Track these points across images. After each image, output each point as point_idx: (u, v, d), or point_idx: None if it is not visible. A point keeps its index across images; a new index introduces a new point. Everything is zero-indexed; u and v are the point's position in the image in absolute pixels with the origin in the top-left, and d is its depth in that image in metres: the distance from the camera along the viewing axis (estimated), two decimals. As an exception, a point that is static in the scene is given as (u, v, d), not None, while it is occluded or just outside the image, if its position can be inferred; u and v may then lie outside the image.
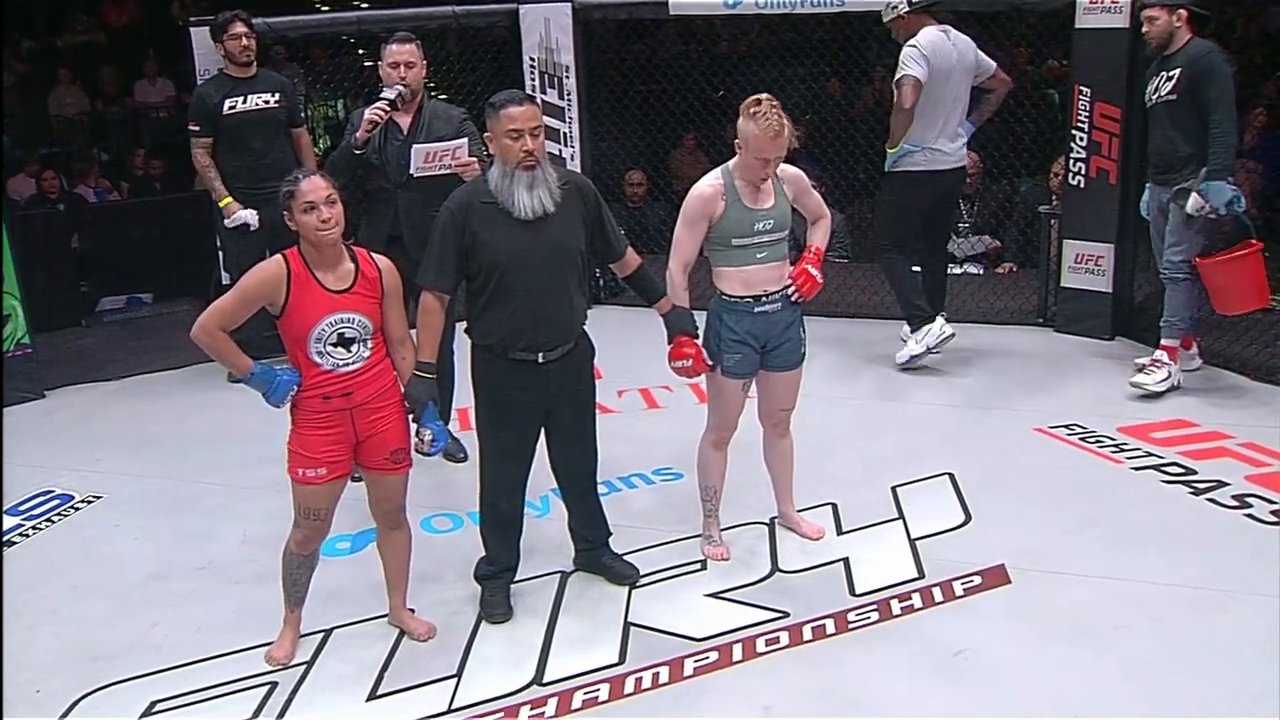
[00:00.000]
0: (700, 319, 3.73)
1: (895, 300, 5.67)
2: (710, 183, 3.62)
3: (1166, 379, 5.02)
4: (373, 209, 4.48)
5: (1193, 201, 4.81)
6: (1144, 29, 5.01)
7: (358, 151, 4.37)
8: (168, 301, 7.31)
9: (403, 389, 3.37)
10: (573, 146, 6.68)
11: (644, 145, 7.51)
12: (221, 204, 5.48)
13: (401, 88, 4.41)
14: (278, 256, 3.24)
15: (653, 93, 7.35)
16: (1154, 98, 5.01)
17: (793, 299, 3.71)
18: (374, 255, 3.33)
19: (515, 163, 3.33)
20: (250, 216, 5.42)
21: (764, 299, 3.66)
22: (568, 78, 6.59)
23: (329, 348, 3.20)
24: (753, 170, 3.56)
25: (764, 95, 3.55)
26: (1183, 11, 4.89)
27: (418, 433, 3.37)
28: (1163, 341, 5.07)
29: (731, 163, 3.64)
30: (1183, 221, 4.92)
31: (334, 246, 3.21)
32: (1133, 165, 5.56)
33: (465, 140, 4.38)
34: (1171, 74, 4.89)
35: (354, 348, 3.23)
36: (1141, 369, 5.08)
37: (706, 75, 7.43)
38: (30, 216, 7.54)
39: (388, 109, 4.38)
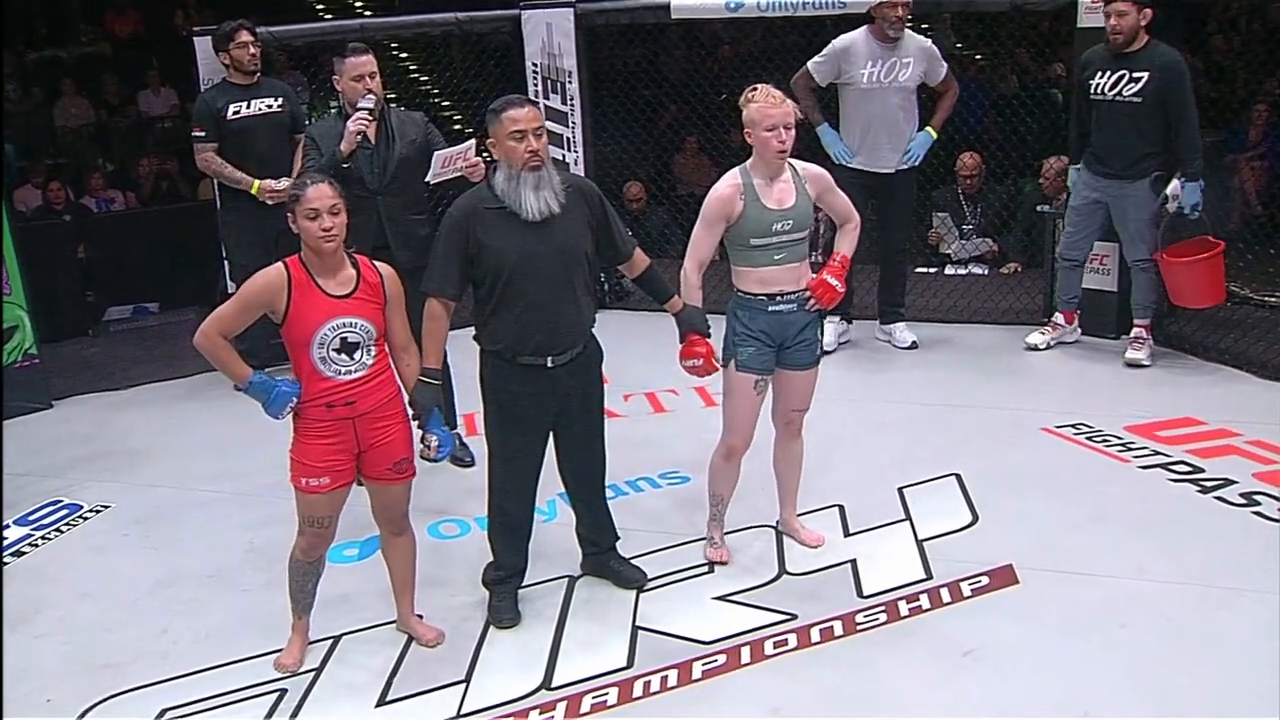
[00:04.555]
0: (719, 323, 3.71)
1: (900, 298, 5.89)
2: (729, 183, 3.61)
3: (1149, 349, 5.39)
4: (350, 219, 4.46)
5: (1173, 187, 5.07)
6: (1110, 22, 5.13)
7: (344, 165, 4.37)
8: (174, 311, 7.32)
9: (407, 396, 3.38)
10: (576, 151, 6.68)
11: (647, 149, 7.52)
12: (253, 190, 5.44)
13: (375, 97, 4.43)
14: (279, 264, 3.25)
15: (655, 97, 7.35)
16: (1112, 95, 5.17)
17: (809, 308, 3.70)
18: (375, 262, 3.34)
19: (521, 164, 3.33)
20: (277, 184, 5.37)
21: (779, 298, 3.65)
22: (570, 82, 6.60)
23: (332, 353, 3.21)
24: (767, 149, 3.54)
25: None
26: (1149, 10, 5.05)
27: (423, 439, 3.37)
28: (1137, 321, 5.44)
29: (749, 162, 3.64)
30: (1149, 216, 5.20)
31: (335, 254, 3.22)
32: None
33: (473, 141, 4.39)
34: (1138, 75, 5.08)
35: (357, 354, 3.23)
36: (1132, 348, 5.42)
37: (709, 79, 7.44)
38: (37, 227, 7.56)
39: (369, 118, 4.39)
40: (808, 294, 3.68)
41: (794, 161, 3.65)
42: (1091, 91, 5.25)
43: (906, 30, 5.52)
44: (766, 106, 3.53)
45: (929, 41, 5.57)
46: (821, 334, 3.78)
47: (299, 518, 3.36)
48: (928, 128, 5.57)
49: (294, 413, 3.26)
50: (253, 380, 3.25)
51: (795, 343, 3.70)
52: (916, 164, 5.59)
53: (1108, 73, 5.17)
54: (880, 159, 5.53)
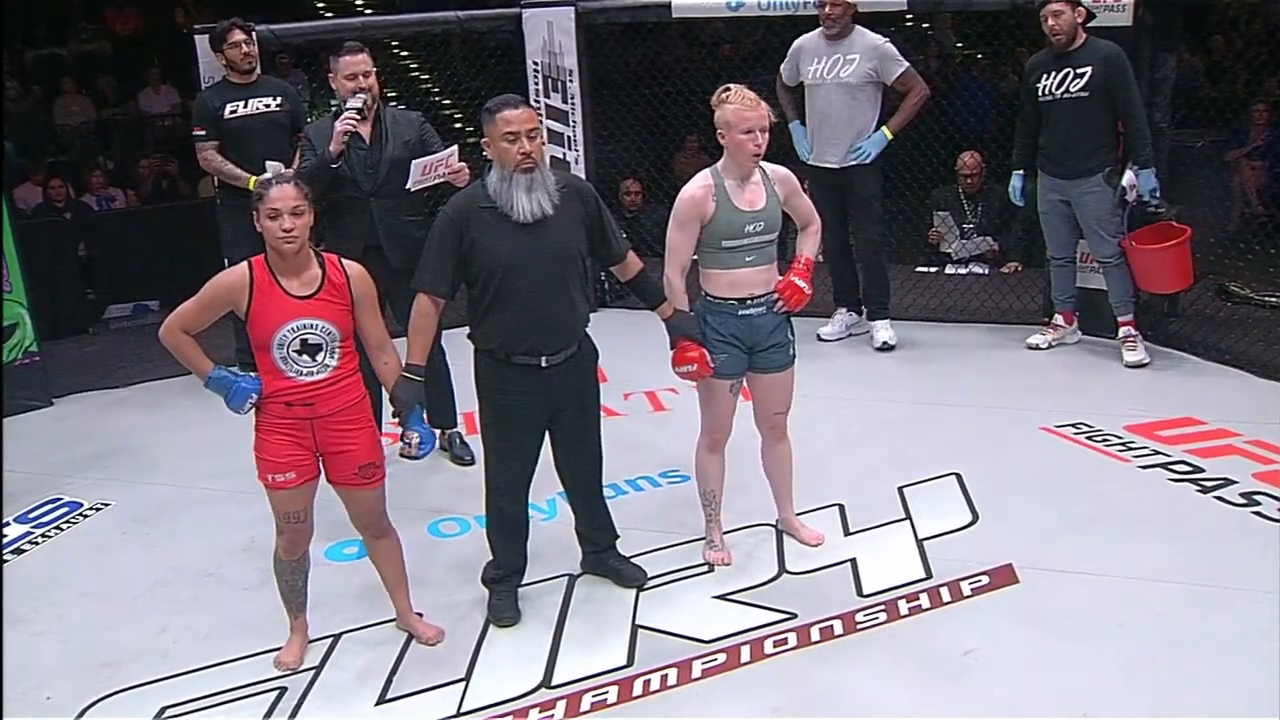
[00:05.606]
0: None
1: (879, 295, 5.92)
2: (700, 184, 3.61)
3: (1144, 347, 5.41)
4: (340, 219, 4.44)
5: (1128, 178, 5.15)
6: (1048, 24, 5.22)
7: (334, 165, 4.36)
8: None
9: (387, 393, 3.37)
10: (576, 150, 6.68)
11: (647, 148, 7.51)
12: (250, 185, 5.39)
13: (365, 97, 4.41)
14: (243, 263, 3.25)
15: (656, 96, 7.34)
16: (1059, 93, 5.27)
17: (777, 310, 3.70)
18: (343, 262, 3.30)
19: (513, 165, 3.33)
20: (272, 170, 5.32)
21: (749, 302, 3.65)
22: (571, 81, 6.60)
23: (292, 354, 3.19)
24: (742, 151, 3.54)
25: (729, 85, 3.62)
26: (1082, 9, 5.17)
27: (404, 435, 3.37)
28: (1121, 319, 5.45)
29: (720, 163, 3.64)
30: (1109, 210, 5.28)
31: (298, 254, 3.19)
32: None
33: (455, 148, 4.39)
34: (1082, 71, 5.19)
35: (319, 355, 3.21)
36: (1126, 350, 5.41)
37: (710, 78, 7.43)
38: (37, 225, 7.57)
39: (357, 117, 4.38)
40: (776, 296, 3.68)
41: (763, 163, 3.65)
42: (1040, 94, 5.35)
43: (858, 28, 5.60)
44: (743, 109, 3.53)
45: (883, 40, 5.59)
46: (792, 334, 3.77)
47: (275, 516, 3.35)
48: (884, 128, 5.60)
49: (256, 408, 3.26)
50: (212, 375, 3.26)
51: (768, 346, 3.70)
52: (867, 161, 5.60)
53: (1053, 73, 5.28)
54: (825, 153, 5.68)
